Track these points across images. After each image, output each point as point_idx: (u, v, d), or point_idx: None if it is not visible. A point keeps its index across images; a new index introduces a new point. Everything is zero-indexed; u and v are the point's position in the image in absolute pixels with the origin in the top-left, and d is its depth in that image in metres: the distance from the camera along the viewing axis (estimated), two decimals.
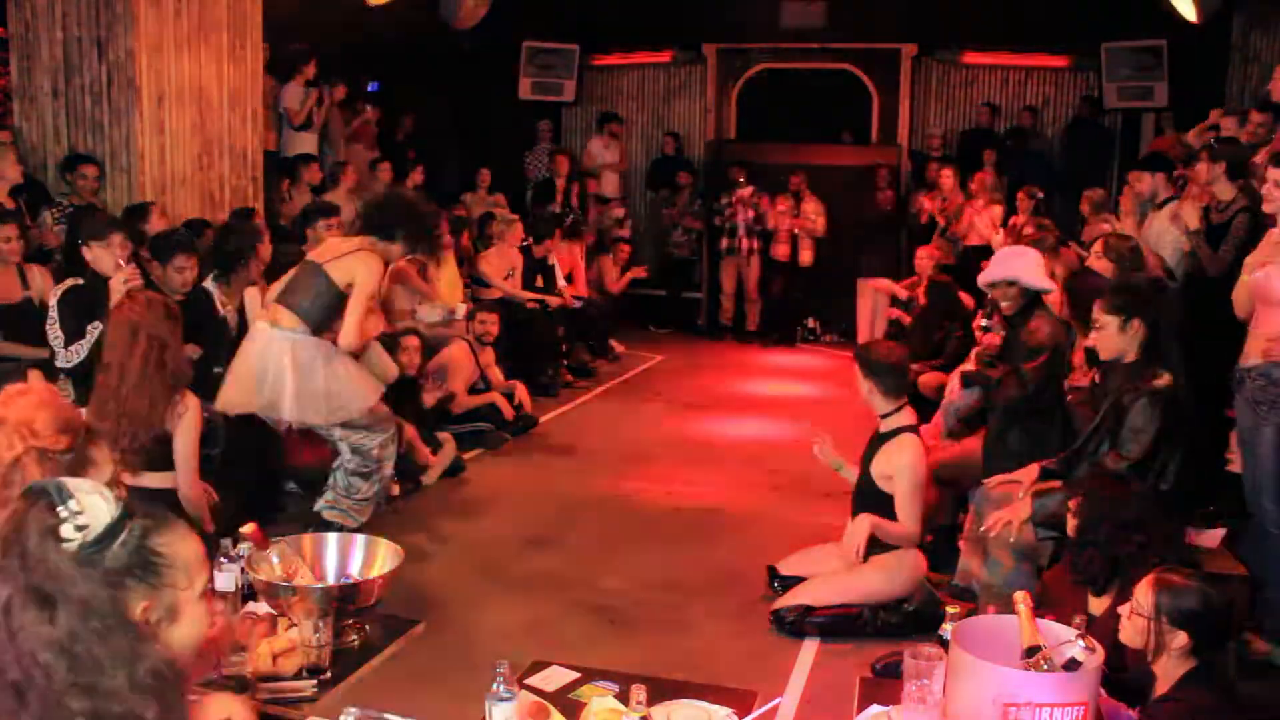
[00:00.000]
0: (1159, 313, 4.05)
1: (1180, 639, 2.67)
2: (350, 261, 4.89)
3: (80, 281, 5.05)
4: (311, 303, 4.89)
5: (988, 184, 9.26)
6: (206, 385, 5.24)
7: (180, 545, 1.77)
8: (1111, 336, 4.01)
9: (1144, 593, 2.73)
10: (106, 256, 5.02)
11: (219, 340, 5.42)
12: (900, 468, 4.25)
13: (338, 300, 4.88)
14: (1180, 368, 3.97)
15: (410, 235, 5.07)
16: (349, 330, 4.84)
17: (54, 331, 4.97)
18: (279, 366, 4.78)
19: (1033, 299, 4.71)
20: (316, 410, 4.81)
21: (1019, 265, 4.72)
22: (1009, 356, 4.86)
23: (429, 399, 6.40)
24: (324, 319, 4.91)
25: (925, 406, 6.21)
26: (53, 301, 5.03)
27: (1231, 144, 6.14)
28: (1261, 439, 4.12)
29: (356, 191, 8.84)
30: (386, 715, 2.51)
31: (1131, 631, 2.76)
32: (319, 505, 5.03)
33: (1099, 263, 5.43)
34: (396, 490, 5.62)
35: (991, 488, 4.32)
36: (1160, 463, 3.86)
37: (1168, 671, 2.70)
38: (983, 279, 4.88)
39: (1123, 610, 2.80)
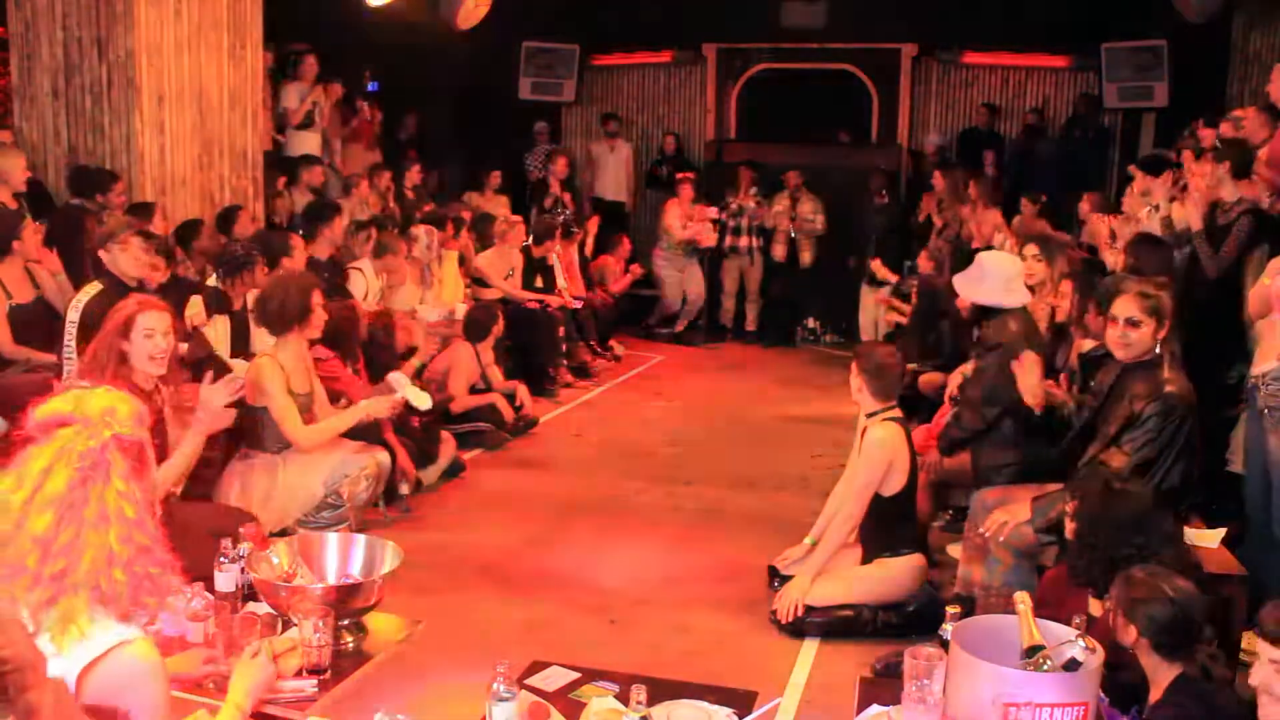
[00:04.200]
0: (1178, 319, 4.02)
1: (1131, 633, 2.69)
2: (250, 376, 4.80)
3: (100, 287, 4.96)
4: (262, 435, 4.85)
5: (980, 189, 9.25)
6: None
7: (14, 637, 1.60)
8: (1146, 338, 3.91)
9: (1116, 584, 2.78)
10: (125, 259, 5.00)
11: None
12: (870, 441, 4.27)
13: (260, 413, 4.79)
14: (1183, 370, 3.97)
15: (297, 324, 4.95)
16: (293, 438, 4.76)
17: (70, 349, 4.82)
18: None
19: None
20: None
21: (994, 289, 4.80)
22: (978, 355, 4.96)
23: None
24: (267, 438, 4.84)
25: (926, 406, 6.22)
26: (73, 316, 4.89)
27: (1236, 144, 6.14)
28: (1272, 448, 4.10)
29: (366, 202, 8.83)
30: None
31: (1111, 622, 2.79)
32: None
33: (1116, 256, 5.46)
34: (406, 490, 5.64)
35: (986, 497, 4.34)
36: (1165, 465, 3.86)
37: (1156, 678, 2.71)
38: (961, 292, 4.95)
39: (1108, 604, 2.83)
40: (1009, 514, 4.03)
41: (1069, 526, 3.40)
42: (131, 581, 2.09)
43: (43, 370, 5.07)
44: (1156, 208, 6.19)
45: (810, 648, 4.14)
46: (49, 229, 6.02)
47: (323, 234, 6.88)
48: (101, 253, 5.05)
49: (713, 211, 10.58)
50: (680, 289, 10.81)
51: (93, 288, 5.00)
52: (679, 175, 10.84)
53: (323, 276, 6.37)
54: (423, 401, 5.31)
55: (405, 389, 5.26)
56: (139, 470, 2.24)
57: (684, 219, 10.51)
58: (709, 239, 10.60)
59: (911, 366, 6.63)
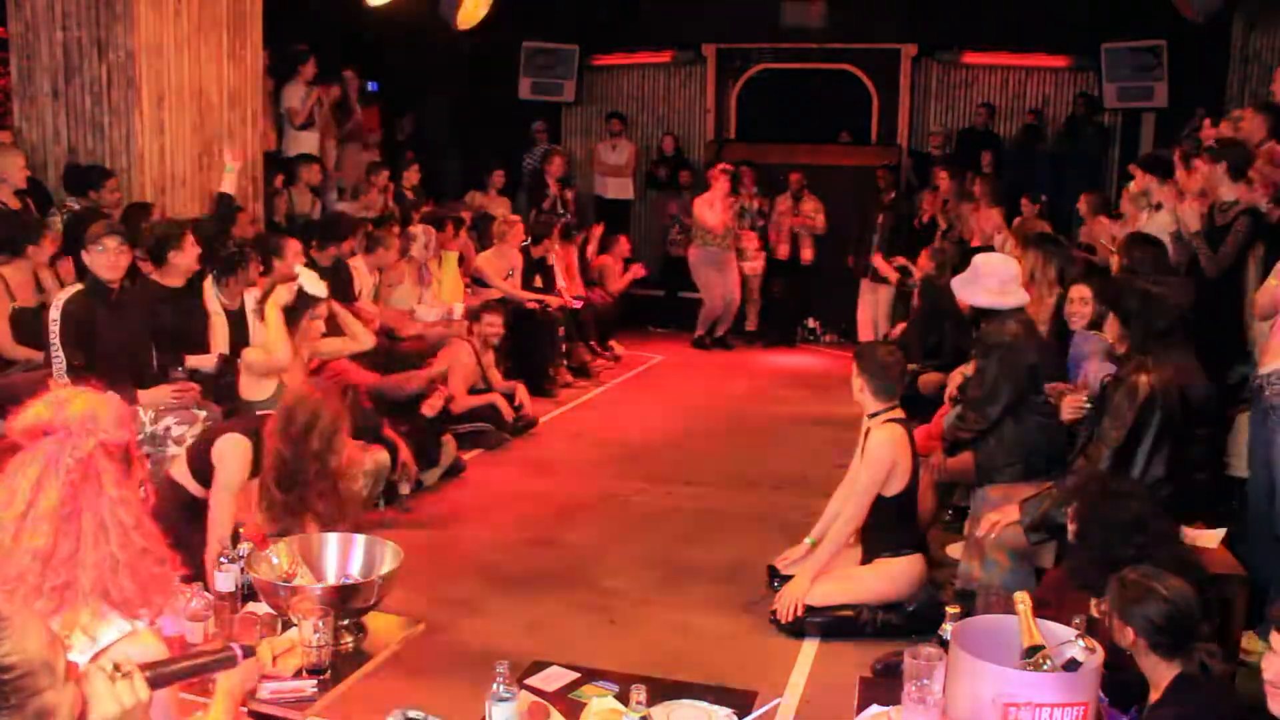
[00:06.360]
0: (1145, 313, 4.03)
1: (1128, 634, 2.68)
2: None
3: (81, 287, 4.99)
4: None
5: (984, 188, 9.27)
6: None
7: (27, 640, 1.51)
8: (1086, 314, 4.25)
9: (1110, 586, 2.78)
10: (100, 261, 5.01)
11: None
12: (873, 443, 4.26)
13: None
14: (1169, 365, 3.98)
15: None
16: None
17: (55, 346, 4.84)
18: None
19: None
20: None
21: (989, 291, 4.81)
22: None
23: (428, 408, 6.37)
24: None
25: (925, 406, 6.22)
26: (55, 315, 4.90)
27: (1235, 144, 6.13)
28: (1276, 447, 4.09)
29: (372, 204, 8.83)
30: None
31: (1107, 624, 2.78)
32: None
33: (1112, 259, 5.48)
34: (406, 490, 5.64)
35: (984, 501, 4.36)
36: (1143, 455, 3.86)
37: (1155, 678, 2.71)
38: (958, 294, 4.97)
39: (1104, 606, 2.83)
40: (1001, 514, 4.04)
41: (1070, 528, 3.40)
42: (138, 583, 2.09)
43: (42, 370, 5.08)
44: (1158, 206, 6.19)
45: (810, 648, 4.14)
46: (64, 236, 6.04)
47: (329, 250, 6.92)
48: (84, 254, 5.07)
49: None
50: (723, 289, 10.42)
51: (73, 287, 5.05)
52: (721, 166, 10.45)
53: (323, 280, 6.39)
54: (317, 288, 5.26)
55: (302, 276, 5.27)
56: (129, 471, 2.23)
57: (723, 211, 10.21)
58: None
59: (912, 366, 6.64)
